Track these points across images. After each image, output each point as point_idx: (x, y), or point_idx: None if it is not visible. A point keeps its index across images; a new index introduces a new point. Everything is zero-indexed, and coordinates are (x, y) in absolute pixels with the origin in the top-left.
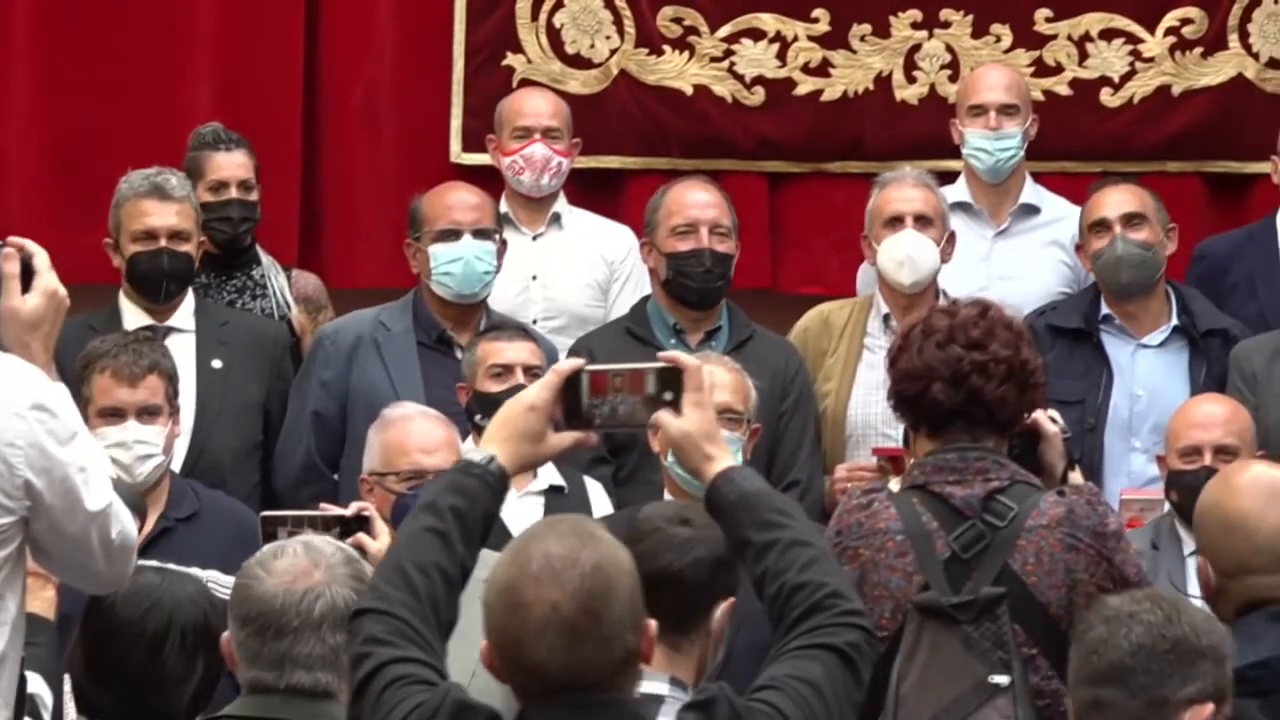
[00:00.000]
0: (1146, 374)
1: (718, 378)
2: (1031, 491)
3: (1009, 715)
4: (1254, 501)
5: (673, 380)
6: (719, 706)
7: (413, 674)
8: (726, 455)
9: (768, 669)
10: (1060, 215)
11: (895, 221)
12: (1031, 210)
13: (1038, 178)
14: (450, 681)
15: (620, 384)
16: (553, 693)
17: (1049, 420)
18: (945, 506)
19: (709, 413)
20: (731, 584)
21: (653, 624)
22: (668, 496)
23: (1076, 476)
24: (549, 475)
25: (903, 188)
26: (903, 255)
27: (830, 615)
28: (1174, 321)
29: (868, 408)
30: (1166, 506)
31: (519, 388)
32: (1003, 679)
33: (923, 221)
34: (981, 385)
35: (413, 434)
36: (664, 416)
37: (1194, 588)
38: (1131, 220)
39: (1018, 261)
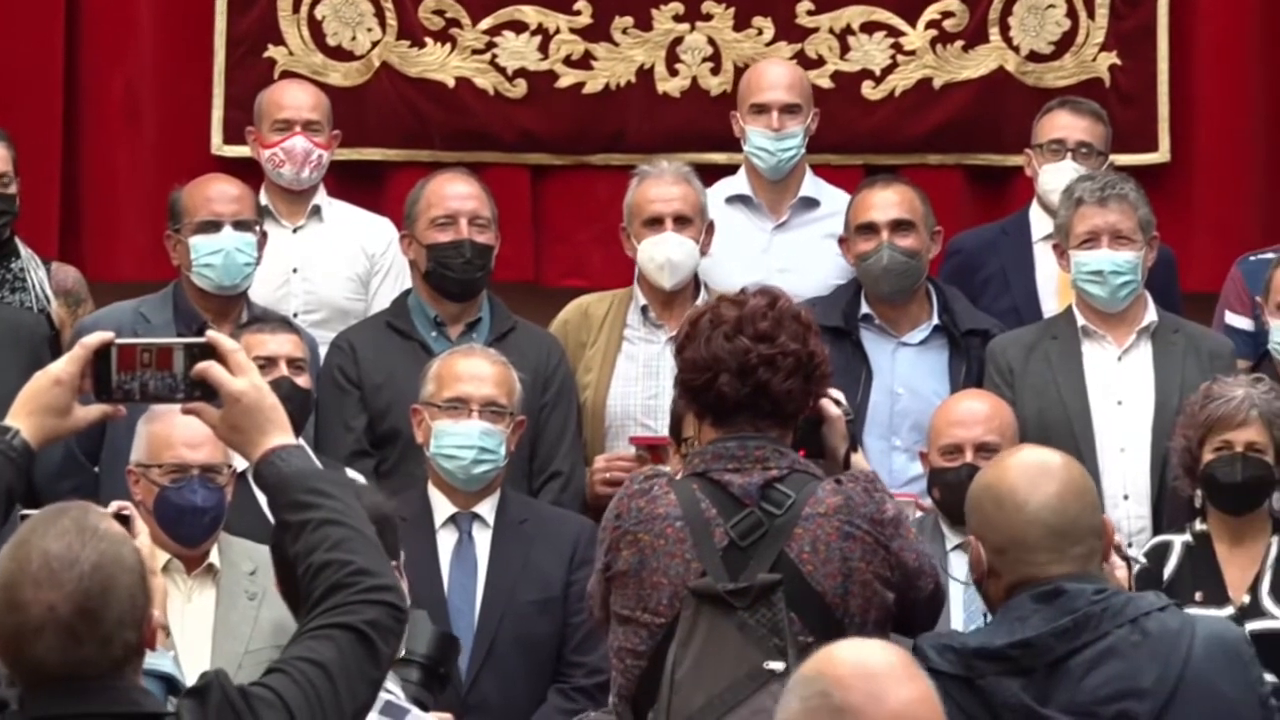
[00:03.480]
0: (906, 372)
1: (481, 370)
2: (809, 480)
3: None
4: (1024, 476)
5: (203, 358)
6: (212, 693)
7: None
8: (274, 435)
9: (284, 649)
10: (839, 208)
11: (655, 222)
12: (811, 204)
13: None
14: None
15: (148, 359)
16: (52, 683)
17: (832, 403)
18: (724, 494)
19: (259, 393)
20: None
21: (156, 614)
22: (431, 489)
23: (859, 459)
24: None
25: (661, 184)
26: (663, 259)
27: (352, 593)
28: (935, 320)
29: (627, 399)
30: (927, 503)
31: (282, 380)
32: (778, 665)
33: (682, 222)
34: (769, 378)
35: (178, 427)
36: (199, 405)
37: (956, 582)
38: (899, 227)
39: (797, 254)
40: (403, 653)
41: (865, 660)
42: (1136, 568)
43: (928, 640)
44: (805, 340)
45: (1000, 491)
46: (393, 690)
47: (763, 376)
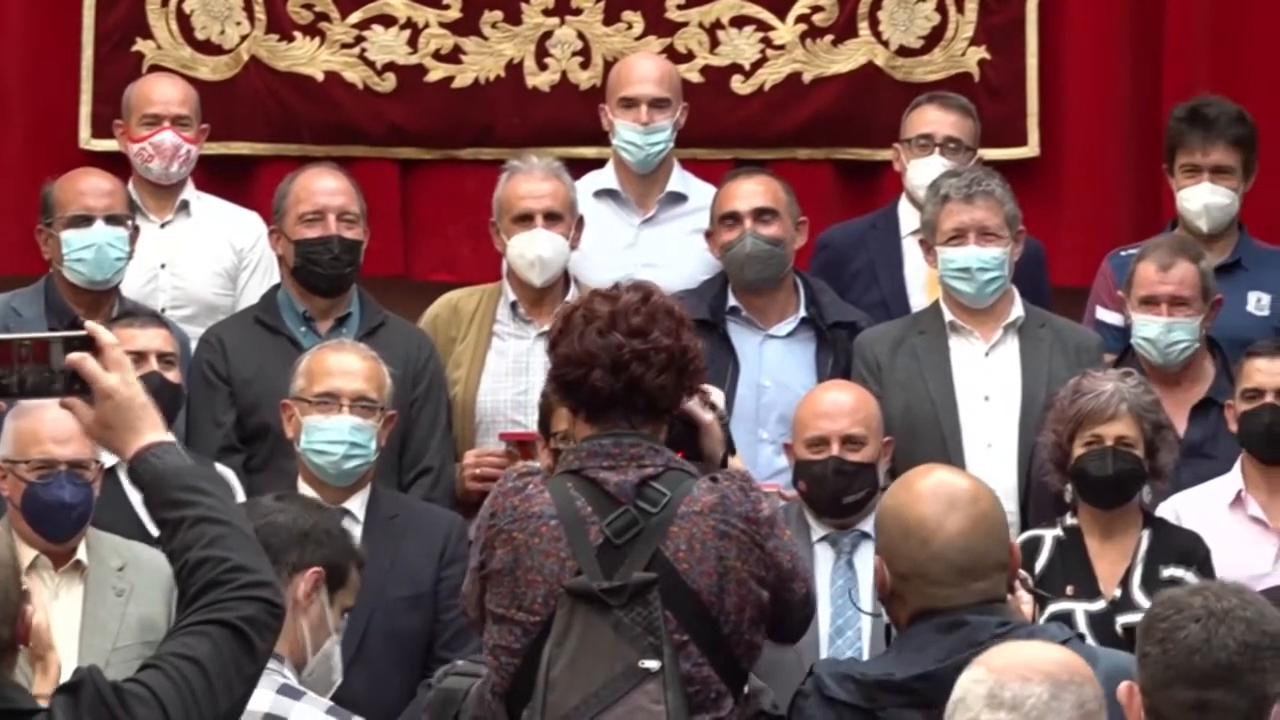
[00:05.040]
0: (773, 364)
1: (351, 365)
2: (685, 478)
3: (658, 700)
4: (933, 509)
5: (82, 351)
6: (85, 689)
7: None
8: (148, 432)
9: (160, 645)
10: (707, 203)
11: (525, 219)
12: (679, 198)
13: None
14: None
15: (25, 354)
16: None
17: (707, 407)
18: (599, 492)
19: (131, 390)
20: (317, 557)
21: (30, 609)
22: (301, 484)
23: (737, 462)
24: None
25: (532, 180)
26: (534, 256)
27: (228, 590)
28: (802, 313)
29: (497, 394)
30: (791, 493)
31: (152, 375)
32: (653, 664)
33: (552, 218)
34: (642, 373)
35: (46, 422)
36: (74, 400)
37: (822, 573)
38: (762, 215)
39: (664, 249)
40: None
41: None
42: (1050, 607)
43: (825, 668)
44: (678, 335)
45: (908, 521)
46: (288, 675)
47: (636, 371)
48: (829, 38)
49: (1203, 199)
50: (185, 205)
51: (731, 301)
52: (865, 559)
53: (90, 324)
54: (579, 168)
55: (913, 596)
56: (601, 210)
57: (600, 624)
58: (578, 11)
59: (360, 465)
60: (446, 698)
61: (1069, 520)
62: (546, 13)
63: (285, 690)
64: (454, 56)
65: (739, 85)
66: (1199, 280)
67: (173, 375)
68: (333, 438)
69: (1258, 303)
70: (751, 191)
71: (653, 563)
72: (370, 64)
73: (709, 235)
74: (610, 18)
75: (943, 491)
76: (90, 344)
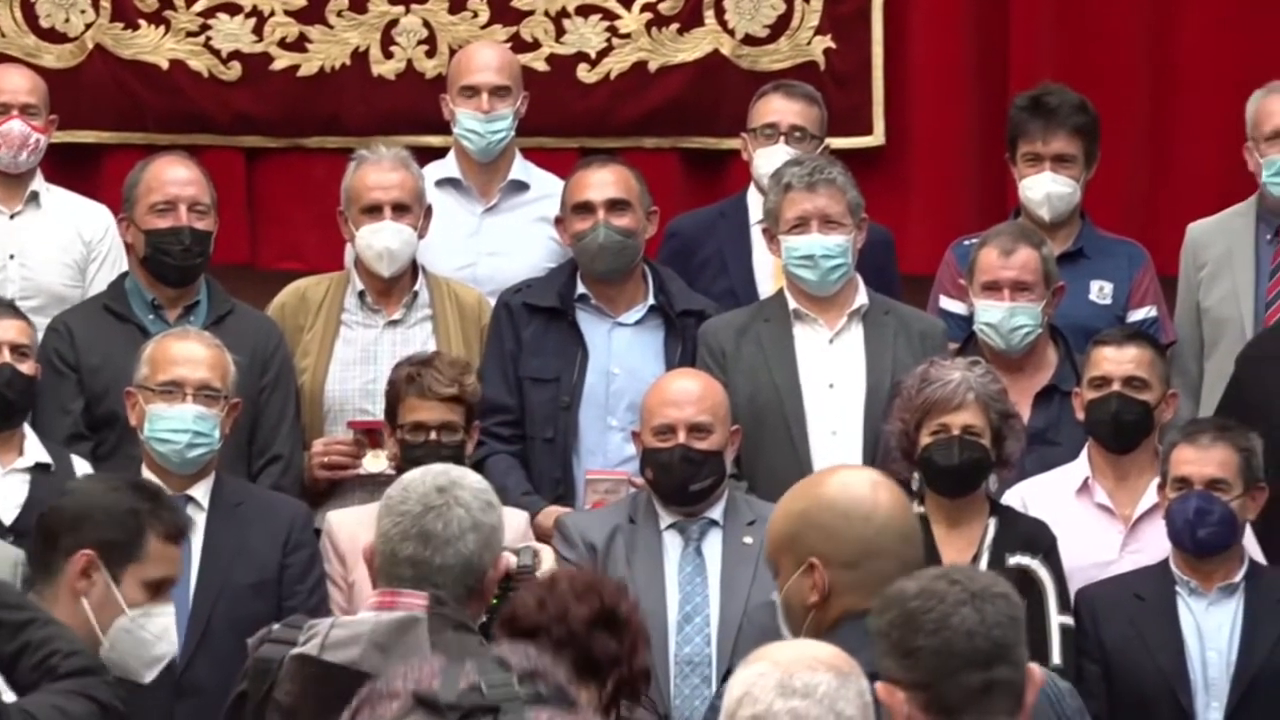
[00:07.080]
0: (622, 352)
1: (195, 354)
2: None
3: None
4: (861, 490)
5: None
6: None
7: None
8: None
9: (30, 695)
10: (549, 192)
11: (373, 210)
12: (520, 187)
13: None
14: None
15: None
16: None
17: None
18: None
19: None
20: (89, 539)
21: None
22: (146, 471)
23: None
24: (35, 452)
25: (380, 171)
26: (382, 248)
27: (98, 679)
28: (650, 301)
29: (345, 383)
30: (640, 481)
31: (3, 367)
32: None
33: (400, 209)
34: None
35: None
36: None
37: (670, 561)
38: (615, 206)
39: (506, 237)
40: None
41: None
42: None
43: None
44: None
45: (842, 505)
46: None
47: None
48: (675, 26)
49: (1044, 188)
50: (35, 196)
51: (580, 289)
52: (713, 546)
53: None
54: (426, 156)
55: (858, 585)
56: (444, 199)
57: None
58: (423, 0)
59: (204, 453)
60: (263, 667)
61: (916, 508)
62: (392, 1)
63: None
64: (300, 45)
65: (585, 74)
66: (1041, 266)
67: (26, 367)
68: (176, 426)
69: (1100, 291)
70: (605, 181)
71: None
72: (215, 52)
73: (559, 222)
74: (456, 6)
75: (861, 477)
76: None
